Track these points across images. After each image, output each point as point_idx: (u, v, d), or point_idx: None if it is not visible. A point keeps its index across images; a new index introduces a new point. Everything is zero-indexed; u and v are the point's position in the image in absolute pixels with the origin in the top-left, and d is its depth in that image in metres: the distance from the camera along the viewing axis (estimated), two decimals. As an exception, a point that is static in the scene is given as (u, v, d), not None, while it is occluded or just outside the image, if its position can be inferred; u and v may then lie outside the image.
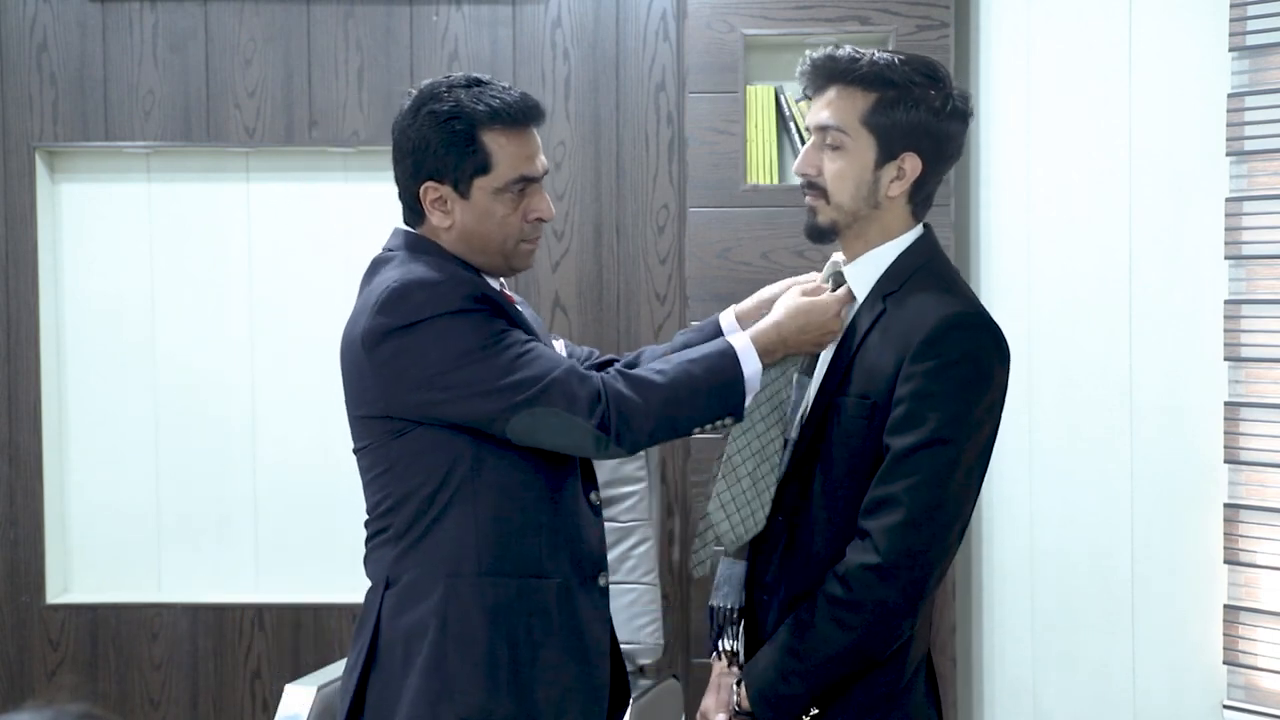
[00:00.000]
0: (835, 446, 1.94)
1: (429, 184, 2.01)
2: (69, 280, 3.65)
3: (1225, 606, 3.19)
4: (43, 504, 3.58)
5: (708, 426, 2.02)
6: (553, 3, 3.53)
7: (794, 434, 2.02)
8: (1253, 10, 3.13)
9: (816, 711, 1.93)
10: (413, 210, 2.07)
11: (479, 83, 2.02)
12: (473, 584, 1.98)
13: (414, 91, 2.06)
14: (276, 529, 3.66)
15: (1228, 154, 3.18)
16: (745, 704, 1.98)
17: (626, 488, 3.18)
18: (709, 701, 2.07)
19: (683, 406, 1.98)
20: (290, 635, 3.59)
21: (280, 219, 3.64)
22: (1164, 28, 3.24)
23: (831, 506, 1.94)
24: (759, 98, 3.36)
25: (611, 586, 3.14)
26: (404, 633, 2.00)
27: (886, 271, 1.98)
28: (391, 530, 2.02)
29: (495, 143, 1.99)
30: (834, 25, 3.31)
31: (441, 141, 1.99)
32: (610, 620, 2.13)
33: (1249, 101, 3.15)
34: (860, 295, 1.99)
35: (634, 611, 3.16)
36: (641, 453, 3.15)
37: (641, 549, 3.17)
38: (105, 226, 3.64)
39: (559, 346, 2.21)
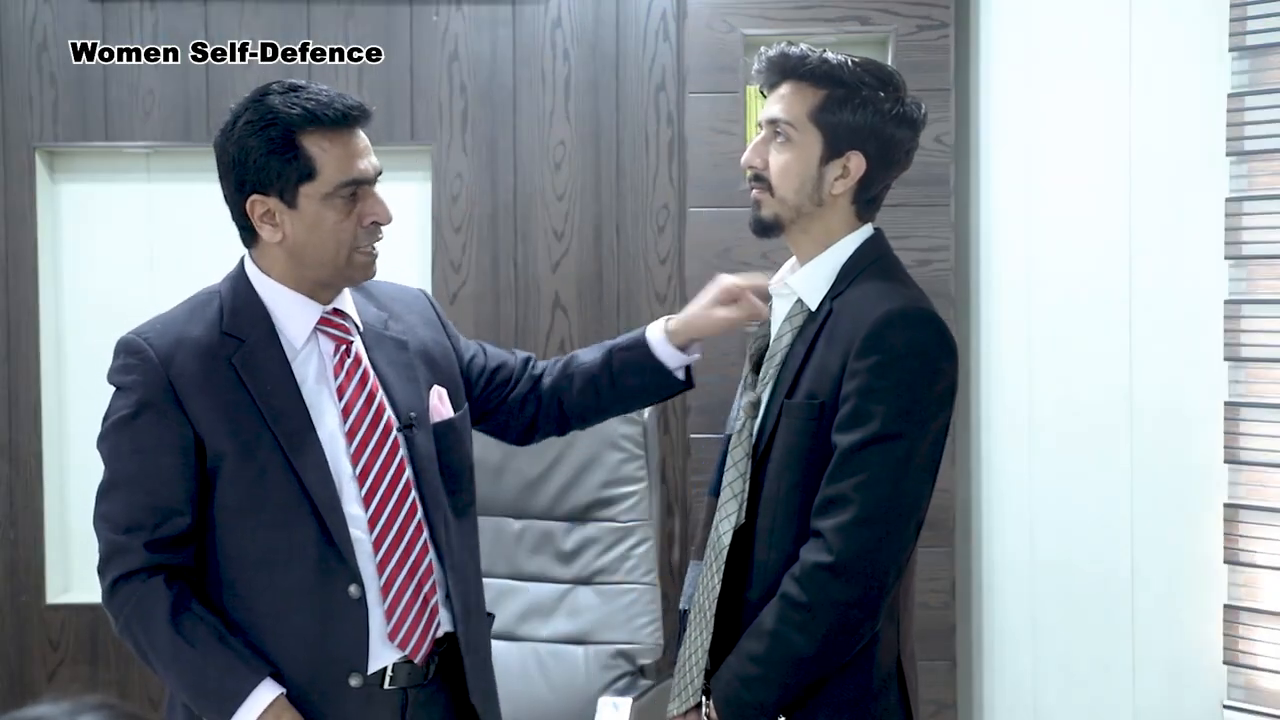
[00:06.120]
0: (788, 451, 1.93)
1: (255, 197, 1.93)
2: (69, 280, 3.65)
3: (1225, 606, 3.19)
4: (43, 504, 3.58)
5: None
6: (553, 3, 3.53)
7: (733, 430, 2.02)
8: (1253, 10, 3.13)
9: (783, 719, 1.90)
10: (244, 229, 1.99)
11: (294, 88, 1.92)
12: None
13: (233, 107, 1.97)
14: (276, 529, 3.65)
15: (1228, 154, 3.18)
16: (715, 717, 1.94)
17: (626, 488, 3.17)
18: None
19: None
20: (290, 635, 3.58)
21: (280, 219, 3.64)
22: (1164, 28, 3.24)
23: (788, 510, 1.93)
24: (759, 98, 3.35)
25: (611, 587, 3.18)
26: None
27: (835, 277, 1.98)
28: None
29: (316, 146, 1.90)
30: (834, 25, 3.30)
31: (261, 150, 1.90)
32: None
33: (1249, 101, 3.14)
34: (812, 304, 1.99)
35: (634, 611, 3.15)
36: (641, 452, 3.16)
37: (641, 549, 3.16)
38: (105, 226, 3.64)
39: (492, 351, 2.24)
